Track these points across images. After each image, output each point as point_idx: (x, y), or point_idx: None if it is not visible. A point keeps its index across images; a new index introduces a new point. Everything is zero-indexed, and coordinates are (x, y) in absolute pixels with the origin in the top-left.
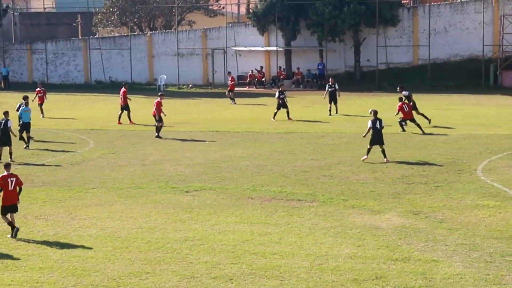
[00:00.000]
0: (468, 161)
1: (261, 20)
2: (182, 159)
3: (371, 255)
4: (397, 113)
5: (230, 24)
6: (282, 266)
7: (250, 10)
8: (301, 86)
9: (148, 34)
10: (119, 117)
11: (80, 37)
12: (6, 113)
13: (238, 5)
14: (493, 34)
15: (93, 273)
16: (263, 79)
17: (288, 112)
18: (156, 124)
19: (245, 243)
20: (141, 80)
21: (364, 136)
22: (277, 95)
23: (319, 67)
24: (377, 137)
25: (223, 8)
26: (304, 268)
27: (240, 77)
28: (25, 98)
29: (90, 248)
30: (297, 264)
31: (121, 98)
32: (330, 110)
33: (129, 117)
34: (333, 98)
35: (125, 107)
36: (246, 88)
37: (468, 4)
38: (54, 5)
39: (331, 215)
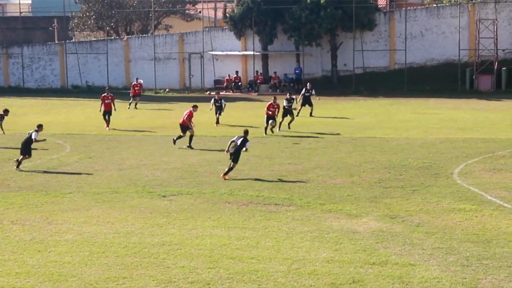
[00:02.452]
0: (444, 165)
1: (238, 25)
2: (159, 164)
3: (348, 259)
4: None
5: (207, 29)
6: (260, 271)
7: (227, 15)
8: (278, 90)
9: (125, 39)
10: (107, 122)
11: (56, 42)
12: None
13: (215, 9)
14: (469, 39)
15: (70, 278)
16: (240, 83)
17: (291, 121)
18: (182, 135)
19: (222, 248)
20: (118, 85)
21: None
22: (285, 103)
23: (296, 71)
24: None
25: (200, 12)
26: (281, 273)
27: (217, 82)
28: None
29: (67, 253)
30: (275, 268)
31: (102, 103)
32: (298, 113)
33: (107, 123)
34: (307, 102)
35: (106, 112)
36: (223, 93)
37: (444, 9)
38: (30, 9)
39: (308, 219)
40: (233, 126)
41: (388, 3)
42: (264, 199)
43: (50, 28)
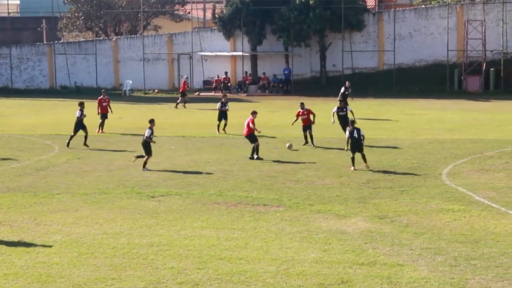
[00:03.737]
0: (433, 166)
1: (227, 25)
2: (148, 164)
3: (337, 259)
4: None
5: (196, 29)
6: (248, 271)
7: (216, 15)
8: (267, 91)
9: (114, 39)
10: (101, 125)
11: (45, 42)
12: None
13: (204, 10)
14: (457, 39)
15: (59, 279)
16: (229, 84)
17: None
18: (255, 144)
19: (211, 248)
20: (107, 85)
21: (346, 150)
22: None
23: (285, 72)
24: (355, 146)
25: (189, 13)
26: (270, 273)
27: (206, 82)
28: None
29: (56, 254)
30: (263, 269)
31: (98, 106)
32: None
33: (102, 127)
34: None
35: (104, 115)
36: (212, 93)
37: (432, 10)
38: (18, 10)
39: (297, 219)
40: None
41: (377, 4)
42: (253, 200)
43: (38, 29)
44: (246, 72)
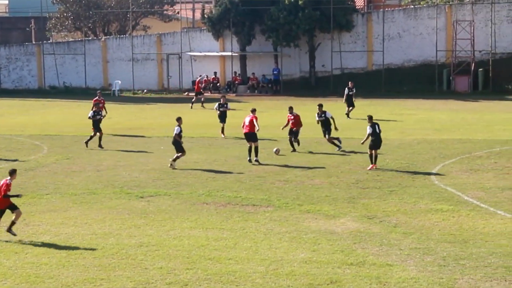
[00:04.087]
0: (422, 166)
1: (216, 25)
2: (137, 165)
3: (326, 259)
4: None
5: (185, 29)
6: (237, 271)
7: (205, 15)
8: (256, 91)
9: (103, 39)
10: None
11: (34, 42)
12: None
13: (193, 10)
14: (446, 40)
15: (47, 279)
16: (218, 84)
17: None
18: (255, 144)
19: (200, 249)
20: (96, 85)
21: (362, 143)
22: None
23: (274, 72)
24: (377, 142)
25: (178, 13)
26: (259, 273)
27: (195, 83)
28: None
29: (44, 255)
30: (252, 269)
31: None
32: (348, 113)
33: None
34: (351, 101)
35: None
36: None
37: (421, 10)
38: (7, 10)
39: (286, 220)
40: (213, 126)
41: (365, 4)
42: (242, 200)
43: (27, 29)
44: (235, 72)
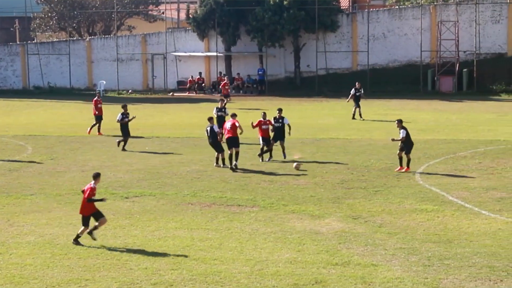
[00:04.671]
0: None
1: (201, 26)
2: (122, 165)
3: (311, 259)
4: None
5: (170, 30)
6: (223, 272)
7: (190, 16)
8: (241, 91)
9: (87, 39)
10: (98, 127)
11: (18, 42)
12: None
13: (178, 10)
14: (430, 40)
15: (32, 280)
16: (203, 84)
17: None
18: (236, 150)
19: (185, 249)
20: (80, 86)
21: (393, 140)
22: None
23: (259, 72)
24: (411, 146)
25: (163, 13)
26: (244, 274)
27: (180, 83)
28: None
29: (29, 255)
30: (238, 269)
31: (93, 108)
32: (354, 114)
33: (98, 129)
34: (358, 102)
35: (98, 117)
36: (186, 94)
37: (406, 10)
38: None
39: (271, 220)
40: (198, 126)
41: (350, 4)
42: (227, 200)
43: (11, 29)
44: (220, 73)
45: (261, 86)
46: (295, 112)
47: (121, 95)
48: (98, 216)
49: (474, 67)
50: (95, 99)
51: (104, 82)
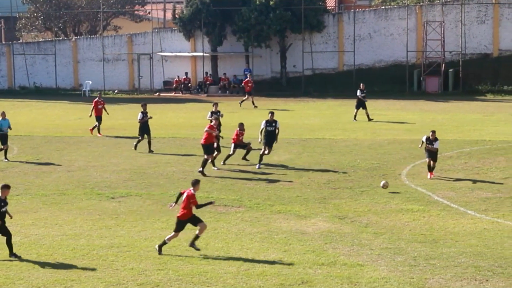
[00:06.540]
0: (392, 166)
1: (187, 26)
2: (108, 165)
3: (298, 260)
4: None
5: (156, 30)
6: (209, 272)
7: (176, 16)
8: (227, 91)
9: (73, 39)
10: (98, 128)
11: (3, 42)
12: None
13: (164, 10)
14: (416, 40)
15: (17, 281)
16: (189, 84)
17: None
18: (211, 156)
19: (171, 249)
20: (66, 86)
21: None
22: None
23: (246, 72)
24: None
25: (149, 13)
26: (230, 274)
27: (166, 83)
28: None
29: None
30: (224, 269)
31: (94, 108)
32: (355, 116)
33: (98, 129)
34: (362, 104)
35: (98, 118)
36: (173, 94)
37: (392, 11)
38: None
39: (257, 220)
40: (184, 126)
41: (337, 4)
42: (214, 201)
43: None
44: (206, 73)
45: None
46: (281, 113)
47: (107, 95)
48: (197, 221)
49: (459, 68)
50: (95, 99)
51: (90, 82)
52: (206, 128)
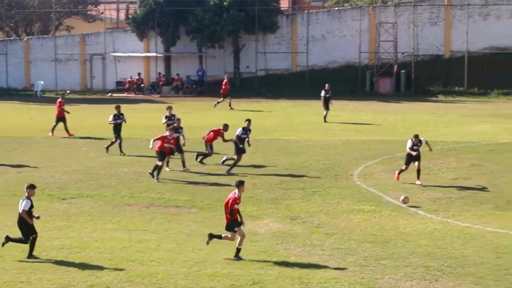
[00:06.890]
0: (344, 167)
1: (141, 26)
2: (60, 166)
3: (249, 260)
4: None
5: (109, 30)
6: (160, 273)
7: (130, 16)
8: (180, 92)
9: (25, 39)
10: (52, 128)
11: None
12: None
13: (117, 10)
14: (369, 42)
15: None
16: (142, 85)
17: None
18: (162, 163)
19: (122, 251)
20: (18, 86)
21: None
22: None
23: (199, 73)
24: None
25: (102, 13)
26: (182, 275)
27: (118, 83)
28: None
29: None
30: (175, 270)
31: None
32: (325, 117)
33: (52, 130)
34: (327, 104)
35: (60, 118)
36: (125, 94)
37: (345, 12)
38: None
39: (209, 221)
40: (137, 127)
41: (290, 5)
42: (166, 202)
43: None
44: (159, 73)
45: (201, 87)
46: (235, 113)
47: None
48: (234, 225)
49: (412, 69)
50: (59, 100)
51: (42, 83)
52: (155, 138)
